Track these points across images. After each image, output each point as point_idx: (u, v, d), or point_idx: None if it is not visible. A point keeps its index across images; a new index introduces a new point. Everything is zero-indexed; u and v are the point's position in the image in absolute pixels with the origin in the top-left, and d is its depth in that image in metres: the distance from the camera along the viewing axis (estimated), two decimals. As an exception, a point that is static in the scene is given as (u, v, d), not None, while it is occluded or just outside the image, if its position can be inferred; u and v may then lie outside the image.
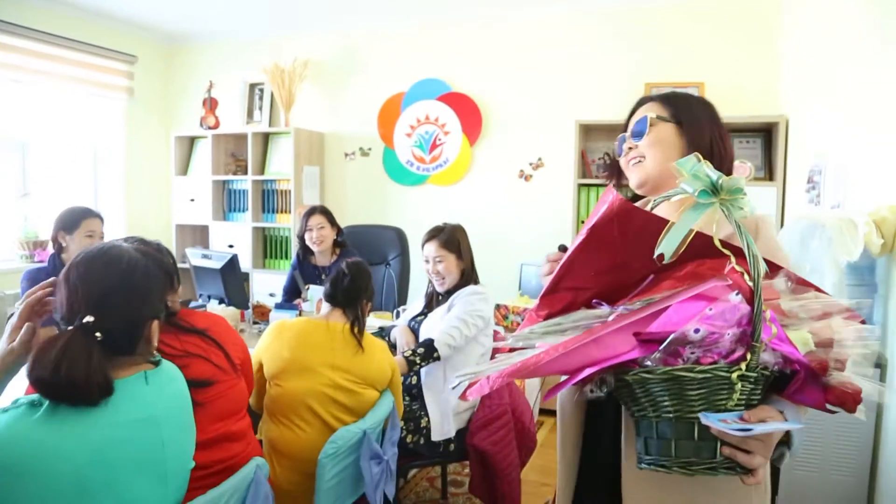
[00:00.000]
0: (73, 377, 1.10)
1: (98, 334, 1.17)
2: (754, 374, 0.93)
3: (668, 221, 0.96)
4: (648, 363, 0.95)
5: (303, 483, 1.96)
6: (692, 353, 0.92)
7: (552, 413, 2.86)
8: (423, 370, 2.70)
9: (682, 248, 0.94)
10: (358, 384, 2.14)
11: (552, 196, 4.63)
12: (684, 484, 1.08)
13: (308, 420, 2.08)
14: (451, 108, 4.92)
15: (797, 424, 0.93)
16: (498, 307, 4.20)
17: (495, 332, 2.99)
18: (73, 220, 2.84)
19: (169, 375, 1.34)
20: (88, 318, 1.17)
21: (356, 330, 2.20)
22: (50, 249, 3.28)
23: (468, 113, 4.88)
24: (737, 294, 0.92)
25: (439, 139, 4.98)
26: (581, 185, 4.33)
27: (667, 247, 0.93)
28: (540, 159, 4.74)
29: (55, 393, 1.12)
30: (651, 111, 1.27)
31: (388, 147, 5.16)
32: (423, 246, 2.88)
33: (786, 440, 1.04)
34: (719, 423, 0.88)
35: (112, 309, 1.21)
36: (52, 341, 1.15)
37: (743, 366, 0.91)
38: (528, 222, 4.77)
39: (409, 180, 5.12)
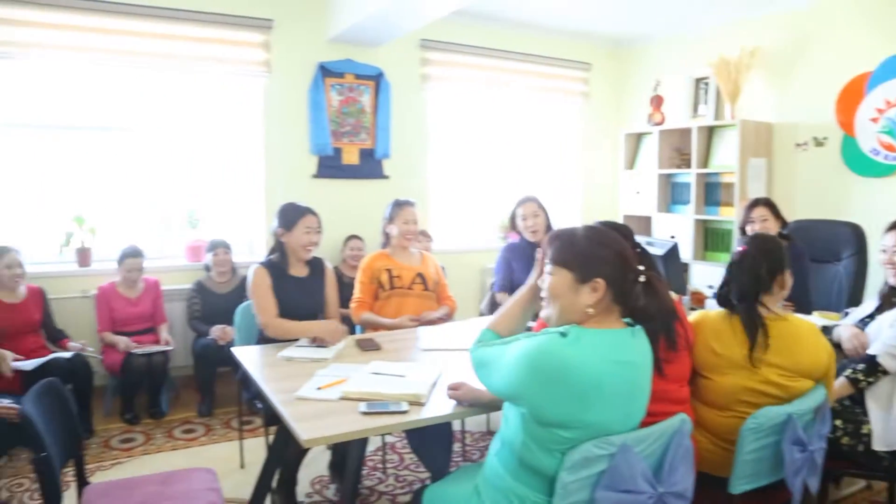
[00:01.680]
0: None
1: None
2: None
3: None
4: None
5: (721, 453, 2.11)
6: None
7: None
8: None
9: None
10: (790, 377, 2.14)
11: None
12: None
13: (737, 410, 2.14)
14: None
15: None
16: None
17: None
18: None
19: (644, 337, 1.74)
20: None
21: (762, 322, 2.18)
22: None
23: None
24: None
25: (916, 123, 4.35)
26: None
27: None
28: None
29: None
30: None
31: (847, 135, 4.70)
32: (884, 234, 2.72)
33: None
34: None
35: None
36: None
37: None
38: None
39: (874, 171, 4.58)
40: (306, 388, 2.24)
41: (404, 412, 2.05)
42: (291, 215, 3.07)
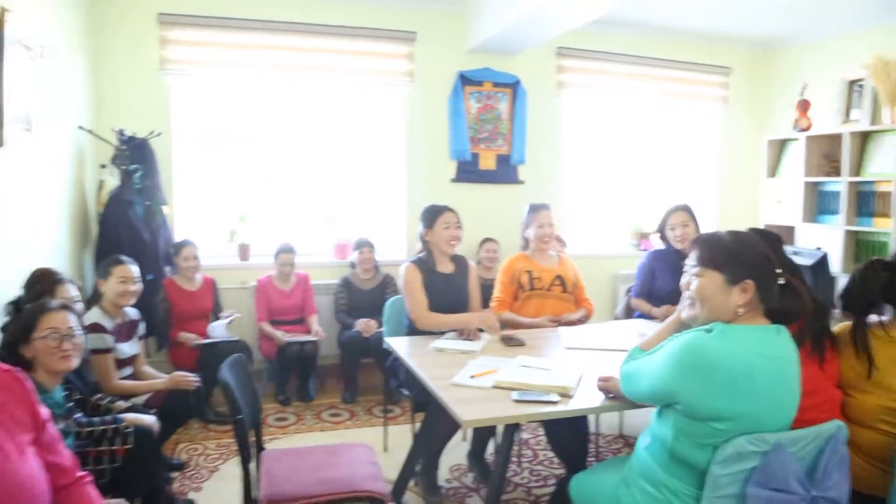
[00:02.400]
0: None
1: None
2: None
3: None
4: None
5: (873, 471, 2.03)
6: None
7: None
8: None
9: None
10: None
11: None
12: None
13: (880, 428, 2.03)
14: None
15: None
16: None
17: None
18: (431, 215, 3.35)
19: (788, 336, 1.77)
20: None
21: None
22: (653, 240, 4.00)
23: None
24: None
25: None
26: None
27: None
28: None
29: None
30: None
31: None
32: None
33: None
34: None
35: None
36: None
37: None
38: None
39: None
40: (460, 376, 2.40)
41: (554, 402, 2.16)
42: (431, 214, 3.29)
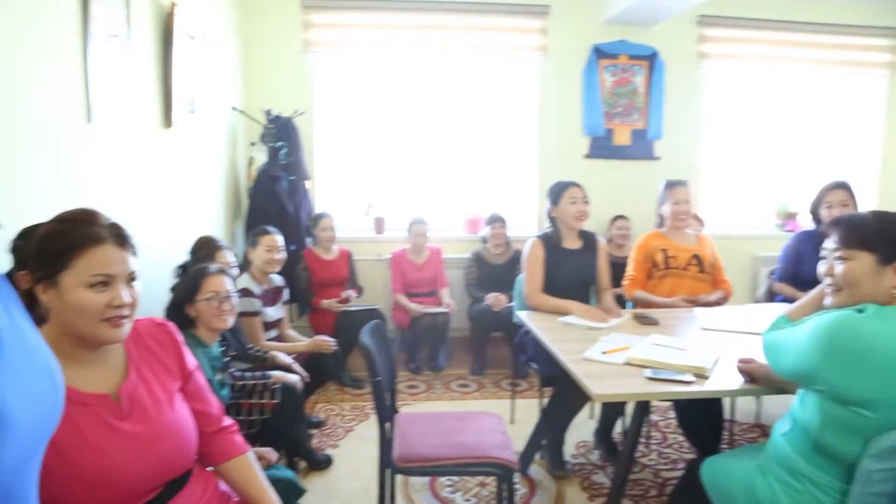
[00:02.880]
0: None
1: None
2: None
3: None
4: None
5: None
6: None
7: None
8: None
9: None
10: None
11: None
12: None
13: None
14: None
15: None
16: None
17: None
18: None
19: None
20: None
21: None
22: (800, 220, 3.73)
23: None
24: None
25: None
26: None
27: None
28: None
29: None
30: None
31: None
32: None
33: None
34: None
35: None
36: None
37: None
38: None
39: None
40: (592, 351, 2.38)
41: (689, 382, 2.10)
42: (557, 190, 3.26)
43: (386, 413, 2.23)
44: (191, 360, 1.62)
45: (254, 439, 2.58)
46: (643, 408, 2.21)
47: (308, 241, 4.58)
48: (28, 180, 1.87)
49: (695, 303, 3.29)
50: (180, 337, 1.61)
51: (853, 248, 1.69)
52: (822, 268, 1.79)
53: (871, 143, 5.68)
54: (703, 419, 2.74)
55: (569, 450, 3.28)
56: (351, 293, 4.36)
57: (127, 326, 1.38)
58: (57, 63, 2.04)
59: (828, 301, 1.78)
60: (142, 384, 1.47)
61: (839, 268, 1.72)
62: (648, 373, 2.16)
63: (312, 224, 4.49)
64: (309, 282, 4.41)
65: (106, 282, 1.33)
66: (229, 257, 2.79)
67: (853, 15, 5.39)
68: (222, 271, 2.34)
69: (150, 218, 2.85)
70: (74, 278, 1.30)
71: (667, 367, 2.21)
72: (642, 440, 3.43)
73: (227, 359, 2.56)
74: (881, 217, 1.71)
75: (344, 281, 4.49)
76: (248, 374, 2.64)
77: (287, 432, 2.61)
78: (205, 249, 2.73)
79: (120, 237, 1.38)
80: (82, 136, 2.22)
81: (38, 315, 1.42)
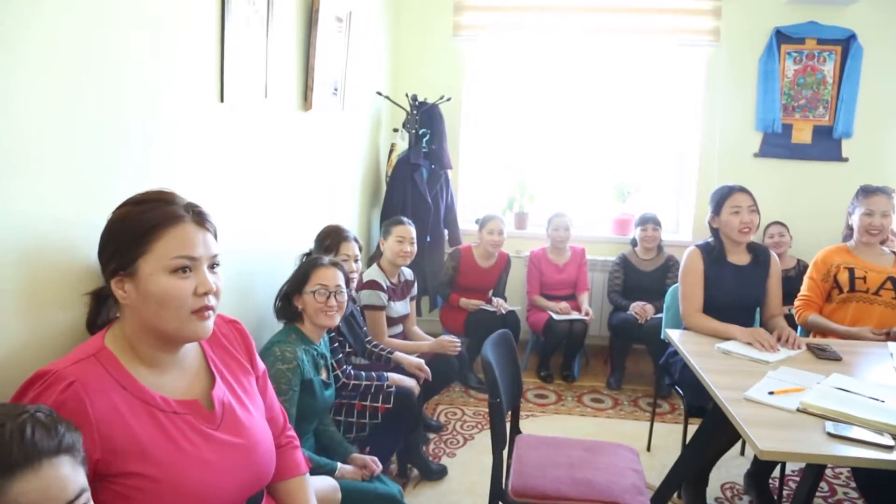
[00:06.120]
0: None
1: None
2: None
3: None
4: None
5: None
6: None
7: None
8: None
9: None
10: None
11: None
12: None
13: None
14: None
15: None
16: None
17: None
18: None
19: None
20: None
21: None
22: None
23: None
24: None
25: None
26: None
27: None
28: None
29: None
30: None
31: None
32: None
33: None
34: None
35: None
36: None
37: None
38: None
39: None
40: (756, 390, 1.99)
41: (890, 447, 1.66)
42: (718, 197, 2.83)
43: (502, 440, 1.97)
44: (261, 363, 1.47)
45: (363, 444, 2.45)
46: (820, 470, 1.80)
47: (446, 232, 4.40)
48: (152, 163, 1.80)
49: (888, 336, 2.73)
50: (250, 337, 1.46)
51: None
52: None
53: None
54: (891, 485, 2.23)
55: (713, 491, 2.86)
56: (501, 302, 4.11)
57: (213, 319, 1.24)
58: (192, 39, 1.97)
59: None
60: (228, 389, 1.33)
61: None
62: (830, 427, 1.74)
63: (480, 224, 4.22)
64: (452, 279, 4.22)
65: (188, 266, 1.19)
66: (355, 249, 2.65)
67: None
68: (335, 264, 2.20)
69: (284, 203, 2.77)
70: (155, 263, 1.16)
71: (855, 420, 1.77)
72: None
73: (340, 356, 2.43)
74: None
75: (490, 288, 4.27)
76: (364, 373, 2.49)
77: (398, 439, 2.44)
78: (330, 238, 2.61)
79: (199, 216, 1.23)
80: (213, 117, 2.15)
81: (102, 319, 1.32)
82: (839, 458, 1.67)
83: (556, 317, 4.08)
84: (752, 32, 4.58)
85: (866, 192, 2.95)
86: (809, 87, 4.59)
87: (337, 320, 2.16)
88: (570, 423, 3.54)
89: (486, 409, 3.51)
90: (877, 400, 1.92)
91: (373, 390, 2.45)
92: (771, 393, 1.97)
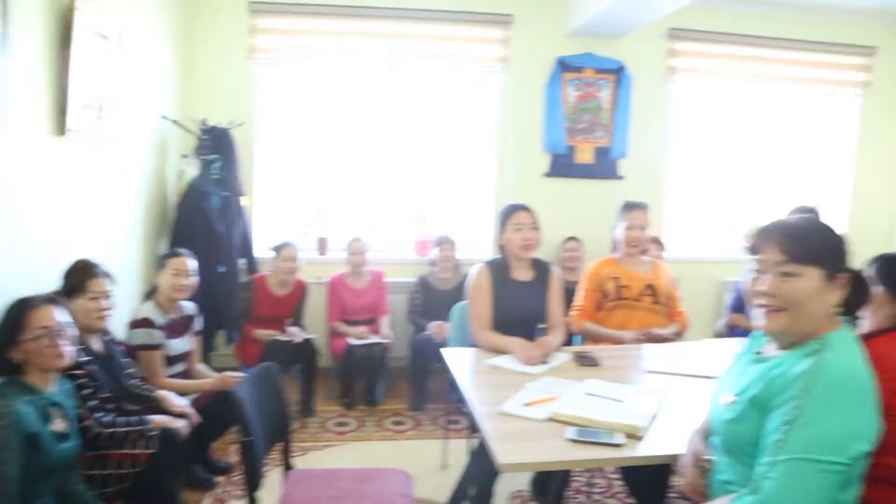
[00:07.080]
0: None
1: None
2: None
3: None
4: None
5: None
6: None
7: None
8: None
9: None
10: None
11: None
12: None
13: None
14: None
15: None
16: None
17: None
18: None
19: None
20: None
21: None
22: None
23: None
24: None
25: None
26: None
27: None
28: None
29: None
30: None
31: None
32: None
33: None
34: None
35: None
36: None
37: None
38: None
39: None
40: (512, 403, 2.05)
41: (618, 445, 1.78)
42: (503, 215, 2.95)
43: (254, 480, 1.87)
44: None
45: (130, 496, 2.23)
46: (565, 476, 1.88)
47: (241, 262, 4.21)
48: None
49: (646, 337, 2.97)
50: None
51: (802, 262, 1.40)
52: (759, 286, 1.47)
53: (841, 164, 5.42)
54: (647, 475, 2.40)
55: (501, 502, 2.93)
56: (295, 330, 3.99)
57: None
58: None
59: (760, 323, 1.46)
60: None
61: (784, 286, 1.41)
62: (571, 433, 1.83)
63: (275, 251, 4.09)
64: (247, 310, 4.04)
65: None
66: (105, 285, 2.42)
67: (826, 32, 5.13)
68: (50, 300, 1.97)
69: (30, 235, 2.49)
70: None
71: (595, 424, 1.88)
72: (584, 489, 3.09)
73: (94, 402, 2.20)
74: (816, 225, 1.48)
75: (287, 318, 4.13)
76: (120, 419, 2.27)
77: (163, 487, 2.25)
78: (75, 276, 2.37)
79: None
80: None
81: None
82: (573, 462, 1.77)
83: (354, 342, 4.04)
84: (538, 61, 4.89)
85: (628, 207, 3.20)
86: (589, 111, 4.96)
87: (69, 358, 1.94)
88: (367, 450, 3.49)
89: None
90: (617, 401, 2.05)
91: (134, 436, 2.24)
92: (526, 404, 2.04)
